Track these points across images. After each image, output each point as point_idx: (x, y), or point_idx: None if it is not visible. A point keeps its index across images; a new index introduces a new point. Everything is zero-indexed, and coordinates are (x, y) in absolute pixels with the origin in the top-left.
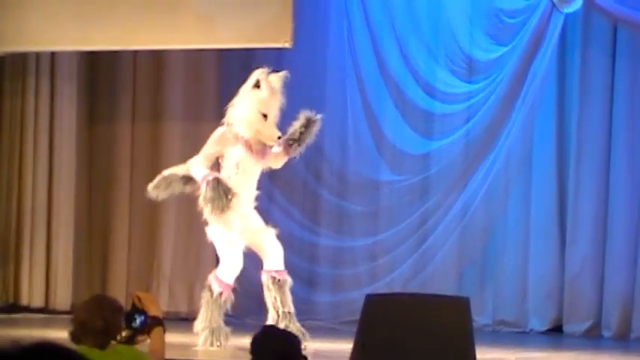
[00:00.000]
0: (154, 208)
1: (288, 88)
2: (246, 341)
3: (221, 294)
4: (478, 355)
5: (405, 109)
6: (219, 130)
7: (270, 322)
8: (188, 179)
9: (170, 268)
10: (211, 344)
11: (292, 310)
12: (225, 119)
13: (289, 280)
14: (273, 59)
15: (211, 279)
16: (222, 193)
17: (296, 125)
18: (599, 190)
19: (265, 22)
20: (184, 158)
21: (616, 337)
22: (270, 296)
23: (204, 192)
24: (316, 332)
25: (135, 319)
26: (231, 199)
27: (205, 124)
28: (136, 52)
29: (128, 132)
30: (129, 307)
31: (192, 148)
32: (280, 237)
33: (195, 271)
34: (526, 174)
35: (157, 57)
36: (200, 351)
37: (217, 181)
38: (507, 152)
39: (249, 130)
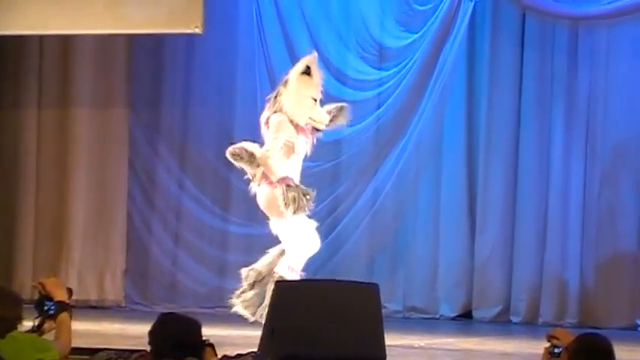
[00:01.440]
0: (62, 195)
1: (198, 74)
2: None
3: None
4: (388, 341)
5: None
6: (277, 118)
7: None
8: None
9: (79, 255)
10: None
11: None
12: (277, 106)
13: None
14: (183, 45)
15: (282, 270)
16: (302, 194)
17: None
18: (508, 177)
19: (176, 8)
20: (92, 145)
21: (525, 322)
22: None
23: (283, 194)
24: (228, 319)
25: (45, 306)
26: (309, 200)
27: (114, 110)
28: (43, 37)
29: (34, 119)
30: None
31: (100, 136)
32: (191, 225)
33: (105, 258)
34: (436, 161)
35: (65, 42)
36: None
37: (294, 184)
38: (418, 139)
39: (304, 117)
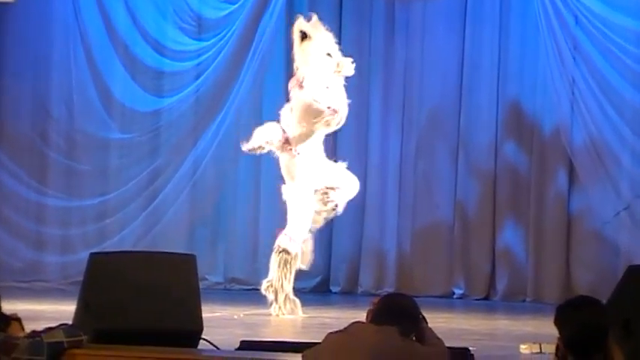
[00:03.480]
0: None
1: (12, 47)
2: None
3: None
4: (208, 313)
5: (133, 67)
6: (302, 98)
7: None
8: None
9: None
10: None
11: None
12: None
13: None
14: None
15: (284, 241)
16: None
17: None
18: (327, 147)
19: None
20: None
21: (344, 291)
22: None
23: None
24: (45, 294)
25: None
26: None
27: None
28: None
29: None
30: None
31: None
32: (6, 199)
33: None
34: None
35: None
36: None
37: None
38: (237, 109)
39: (328, 76)
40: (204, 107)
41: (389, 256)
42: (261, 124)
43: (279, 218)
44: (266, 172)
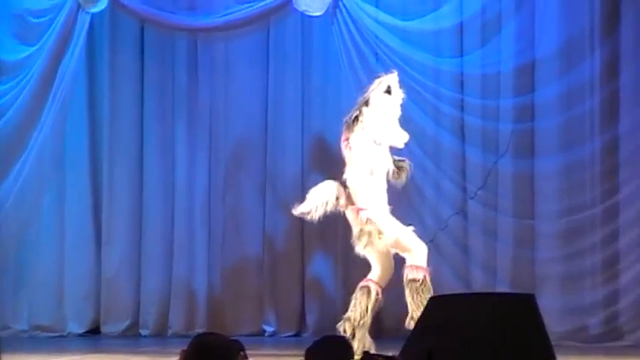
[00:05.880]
0: None
1: None
2: None
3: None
4: None
5: None
6: (364, 136)
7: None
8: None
9: None
10: None
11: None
12: (360, 126)
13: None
14: None
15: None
16: (377, 232)
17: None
18: (134, 188)
19: None
20: None
21: (154, 334)
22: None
23: (361, 224)
24: None
25: None
26: (382, 239)
27: None
28: None
29: None
30: None
31: None
32: None
33: None
34: (60, 174)
35: None
36: None
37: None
38: (39, 152)
39: (386, 136)
40: (4, 152)
41: (199, 296)
42: (63, 165)
43: (86, 262)
44: (70, 214)
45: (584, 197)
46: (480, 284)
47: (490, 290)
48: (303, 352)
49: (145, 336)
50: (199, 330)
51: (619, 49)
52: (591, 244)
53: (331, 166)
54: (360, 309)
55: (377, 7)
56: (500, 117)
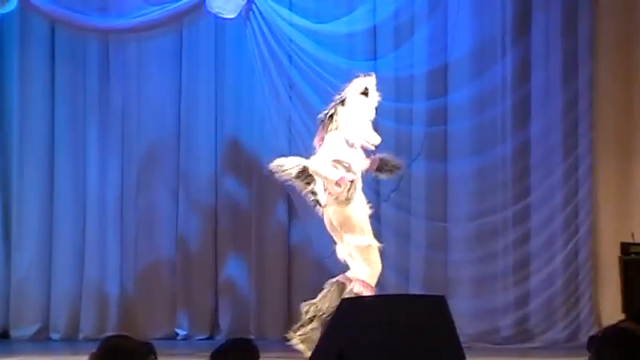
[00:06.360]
0: None
1: None
2: None
3: None
4: None
5: None
6: (338, 135)
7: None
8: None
9: None
10: None
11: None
12: (334, 125)
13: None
14: None
15: (356, 285)
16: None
17: (392, 161)
18: (44, 190)
19: None
20: None
21: (65, 338)
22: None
23: (344, 191)
24: None
25: None
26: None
27: None
28: None
29: None
30: None
31: None
32: None
33: None
34: None
35: None
36: None
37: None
38: None
39: (359, 137)
40: None
41: (111, 299)
42: None
43: None
44: None
45: (496, 200)
46: (392, 286)
47: (403, 292)
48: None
49: (55, 340)
50: (111, 333)
51: (530, 53)
52: (503, 246)
53: (245, 168)
54: (329, 304)
55: (290, 9)
56: (413, 120)
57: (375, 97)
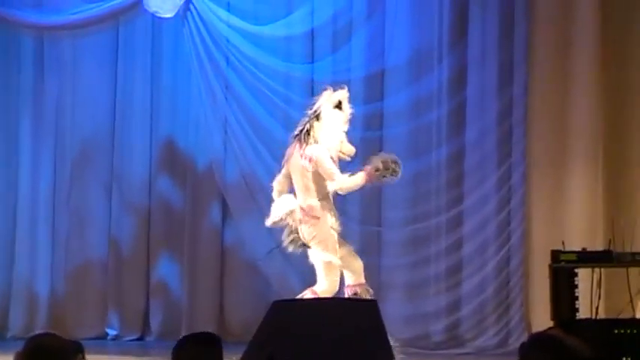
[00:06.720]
0: None
1: None
2: None
3: None
4: None
5: None
6: (322, 147)
7: None
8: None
9: None
10: None
11: None
12: (312, 140)
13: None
14: None
15: (307, 294)
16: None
17: (384, 162)
18: None
19: None
20: None
21: None
22: None
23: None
24: None
25: None
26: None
27: None
28: None
29: None
30: None
31: None
32: None
33: None
34: None
35: None
36: None
37: None
38: None
39: (336, 150)
40: None
41: (41, 298)
42: None
43: None
44: None
45: (430, 205)
46: None
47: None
48: (146, 355)
49: None
50: (40, 332)
51: (466, 60)
52: (436, 252)
53: (180, 168)
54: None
55: (229, 11)
56: (349, 124)
57: (347, 109)
